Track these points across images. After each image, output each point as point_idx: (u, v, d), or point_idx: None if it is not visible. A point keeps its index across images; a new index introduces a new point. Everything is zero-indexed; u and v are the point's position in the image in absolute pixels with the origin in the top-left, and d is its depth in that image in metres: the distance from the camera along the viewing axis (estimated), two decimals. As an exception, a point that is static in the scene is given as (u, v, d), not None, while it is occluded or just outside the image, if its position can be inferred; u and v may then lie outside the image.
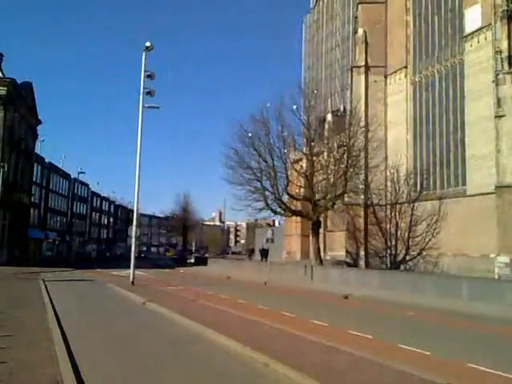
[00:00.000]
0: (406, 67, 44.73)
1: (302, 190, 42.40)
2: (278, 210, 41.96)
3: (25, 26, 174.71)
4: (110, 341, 10.66)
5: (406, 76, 44.73)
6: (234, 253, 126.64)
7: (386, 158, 43.34)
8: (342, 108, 59.76)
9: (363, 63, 46.15)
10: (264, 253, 47.48)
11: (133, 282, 23.94)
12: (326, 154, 41.64)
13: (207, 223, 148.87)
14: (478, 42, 36.67)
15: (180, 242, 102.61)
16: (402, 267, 40.48)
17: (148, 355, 9.16)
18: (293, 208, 42.67)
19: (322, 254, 42.58)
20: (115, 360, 8.70)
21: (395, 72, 45.54)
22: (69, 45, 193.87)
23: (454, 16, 40.35)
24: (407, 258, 40.81)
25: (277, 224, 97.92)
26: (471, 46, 37.35)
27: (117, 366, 8.27)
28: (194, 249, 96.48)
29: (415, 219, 40.22)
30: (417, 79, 44.01)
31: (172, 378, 7.67)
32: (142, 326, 12.95)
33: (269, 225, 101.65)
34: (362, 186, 40.80)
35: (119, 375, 7.63)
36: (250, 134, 39.79)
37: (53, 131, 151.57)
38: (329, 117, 53.23)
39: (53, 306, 14.94)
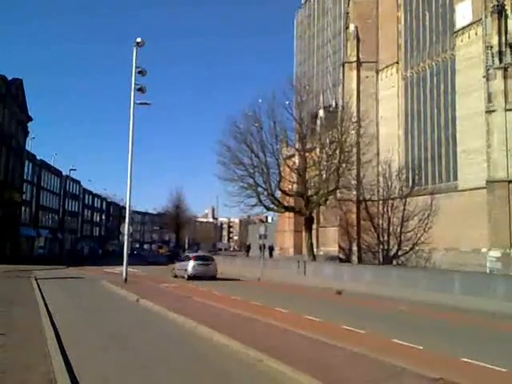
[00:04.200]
0: (397, 62, 44.83)
1: (294, 185, 42.45)
2: (271, 206, 42.00)
3: (16, 23, 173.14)
4: (104, 339, 10.62)
5: (397, 71, 44.84)
6: (226, 249, 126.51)
7: (377, 154, 43.52)
8: (333, 104, 59.87)
9: (355, 59, 46.20)
10: (265, 248, 47.38)
11: (126, 279, 23.85)
12: (318, 149, 41.72)
13: (200, 220, 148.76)
14: (469, 37, 36.83)
15: (173, 238, 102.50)
16: (394, 262, 40.68)
17: (142, 353, 9.14)
18: (285, 204, 42.74)
19: (314, 249, 42.73)
20: (109, 358, 8.66)
21: (387, 67, 45.65)
22: (61, 42, 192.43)
23: (444, 11, 40.48)
24: (399, 253, 41.03)
25: (270, 220, 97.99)
26: (462, 41, 37.51)
27: (111, 363, 8.23)
28: (186, 245, 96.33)
29: (407, 214, 40.41)
30: (408, 74, 44.13)
31: (167, 375, 7.65)
32: (136, 324, 12.92)
33: (262, 221, 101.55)
34: (354, 182, 40.97)
35: (113, 372, 7.59)
36: (242, 131, 39.80)
37: (44, 128, 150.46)
38: (321, 112, 53.28)
39: (45, 304, 14.86)
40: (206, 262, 30.51)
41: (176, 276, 31.48)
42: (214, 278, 29.64)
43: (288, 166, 43.45)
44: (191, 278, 28.90)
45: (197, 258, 30.74)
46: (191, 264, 29.54)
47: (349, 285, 24.67)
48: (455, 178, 37.99)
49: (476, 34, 36.10)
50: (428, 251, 38.18)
